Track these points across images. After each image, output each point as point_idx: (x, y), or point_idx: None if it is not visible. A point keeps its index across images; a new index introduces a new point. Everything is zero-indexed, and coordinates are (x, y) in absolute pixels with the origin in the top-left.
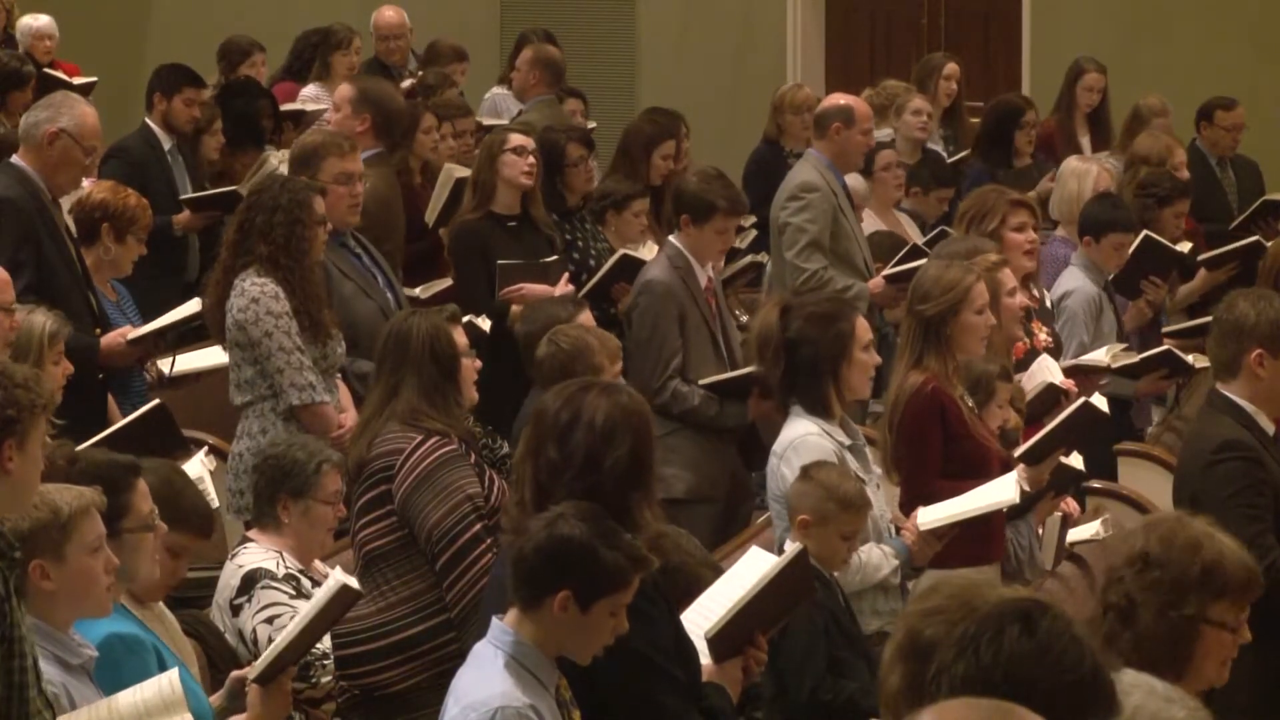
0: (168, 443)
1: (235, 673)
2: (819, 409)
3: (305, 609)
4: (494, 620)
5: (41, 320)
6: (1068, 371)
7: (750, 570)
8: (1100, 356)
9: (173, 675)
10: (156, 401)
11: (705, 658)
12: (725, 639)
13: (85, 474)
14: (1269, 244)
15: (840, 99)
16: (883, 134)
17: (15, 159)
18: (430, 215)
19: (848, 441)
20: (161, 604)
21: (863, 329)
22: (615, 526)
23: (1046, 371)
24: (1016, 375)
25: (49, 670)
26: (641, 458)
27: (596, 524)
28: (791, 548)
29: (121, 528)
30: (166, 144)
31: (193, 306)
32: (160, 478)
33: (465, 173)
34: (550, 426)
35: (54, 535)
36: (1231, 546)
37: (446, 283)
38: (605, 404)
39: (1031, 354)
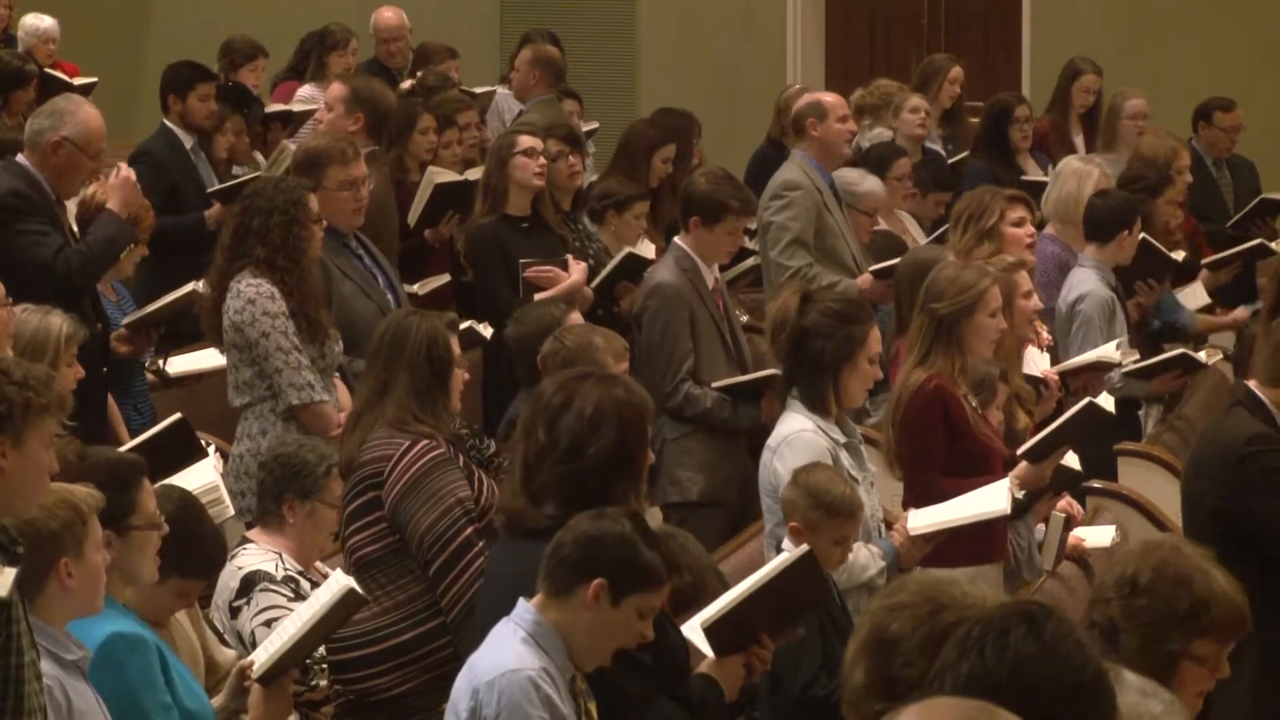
0: (187, 452)
1: (240, 661)
2: (817, 405)
3: (308, 609)
4: (520, 601)
5: (59, 322)
6: (1080, 369)
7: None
8: (1111, 351)
9: None
10: (178, 415)
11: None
12: (725, 633)
13: (95, 469)
14: (1274, 244)
15: (809, 96)
16: (882, 133)
17: (20, 157)
18: (411, 217)
19: (842, 439)
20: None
21: (874, 339)
22: (657, 535)
23: (1031, 364)
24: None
25: (43, 665)
26: (630, 449)
27: (640, 525)
28: (799, 549)
29: (130, 525)
30: (188, 142)
31: (187, 288)
32: (177, 520)
33: (447, 176)
34: (543, 409)
35: (78, 533)
36: (1223, 586)
37: (444, 279)
38: (598, 393)
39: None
